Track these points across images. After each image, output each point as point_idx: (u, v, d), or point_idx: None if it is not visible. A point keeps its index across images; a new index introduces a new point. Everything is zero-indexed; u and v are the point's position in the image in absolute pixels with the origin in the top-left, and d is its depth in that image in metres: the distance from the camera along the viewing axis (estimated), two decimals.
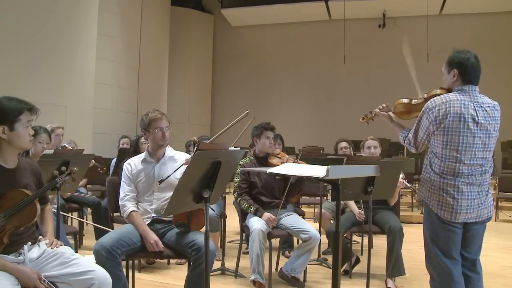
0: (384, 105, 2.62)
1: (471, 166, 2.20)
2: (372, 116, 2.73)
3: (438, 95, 2.31)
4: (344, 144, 4.71)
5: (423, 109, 2.30)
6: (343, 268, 3.71)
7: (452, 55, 2.30)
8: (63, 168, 2.35)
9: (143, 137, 4.03)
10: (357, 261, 3.76)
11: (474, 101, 2.22)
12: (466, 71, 2.24)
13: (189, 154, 3.24)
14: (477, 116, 2.19)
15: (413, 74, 2.88)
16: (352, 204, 3.80)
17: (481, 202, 2.22)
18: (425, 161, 2.35)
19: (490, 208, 2.27)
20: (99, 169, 4.81)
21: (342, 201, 3.45)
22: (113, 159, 5.66)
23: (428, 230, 2.31)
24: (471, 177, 2.20)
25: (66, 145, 4.80)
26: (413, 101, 2.48)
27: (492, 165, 2.29)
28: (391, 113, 2.59)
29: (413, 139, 2.36)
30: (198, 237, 2.56)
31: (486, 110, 2.23)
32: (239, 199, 3.53)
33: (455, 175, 2.20)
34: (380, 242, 4.28)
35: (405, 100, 2.51)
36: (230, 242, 4.85)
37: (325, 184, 4.00)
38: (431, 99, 2.28)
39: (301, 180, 3.53)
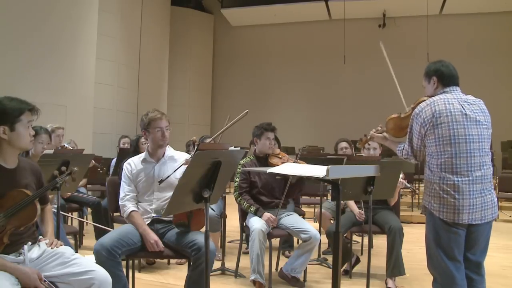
0: (378, 128, 2.69)
1: (468, 159, 2.18)
2: (368, 139, 2.78)
3: (423, 101, 2.37)
4: (344, 144, 4.70)
5: (411, 116, 2.37)
6: (343, 268, 3.71)
7: (428, 66, 2.45)
8: (63, 168, 2.36)
9: (143, 137, 4.03)
10: (357, 261, 3.76)
11: (458, 98, 2.30)
12: (443, 75, 2.36)
13: (189, 154, 3.24)
14: (464, 109, 2.24)
15: (399, 90, 2.92)
16: (352, 204, 3.80)
17: (484, 201, 2.18)
18: (425, 170, 2.36)
19: (494, 208, 2.24)
20: (99, 169, 4.81)
21: (342, 201, 3.46)
22: (113, 159, 5.67)
23: (430, 232, 2.29)
24: (470, 173, 2.16)
25: (66, 145, 4.79)
26: (402, 115, 2.53)
27: (490, 160, 2.28)
28: (385, 134, 2.63)
29: (409, 148, 2.38)
30: (198, 237, 2.56)
31: (472, 104, 2.29)
32: (239, 198, 3.53)
33: (454, 172, 2.18)
34: (380, 242, 4.28)
35: (394, 115, 2.57)
36: (230, 242, 4.85)
37: (325, 184, 4.00)
38: (418, 106, 2.36)
39: (301, 180, 3.53)
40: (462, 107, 2.24)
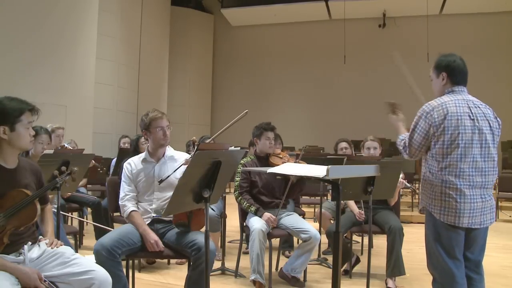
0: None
1: (471, 164, 2.18)
2: (397, 106, 2.60)
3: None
4: (344, 144, 4.70)
5: (418, 114, 2.29)
6: (343, 268, 3.71)
7: (439, 59, 2.35)
8: (63, 168, 2.36)
9: (143, 137, 4.03)
10: (357, 261, 3.76)
11: (467, 100, 2.26)
12: (454, 73, 2.29)
13: (189, 154, 3.24)
14: (471, 113, 2.22)
15: (412, 84, 2.78)
16: (352, 204, 3.80)
17: (484, 206, 2.20)
18: (423, 169, 2.33)
19: (492, 214, 2.26)
20: (99, 169, 4.81)
21: (342, 201, 3.45)
22: (113, 159, 5.66)
23: (430, 230, 2.30)
24: (472, 177, 2.17)
25: (66, 145, 4.79)
26: None
27: (495, 165, 2.25)
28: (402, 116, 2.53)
29: (408, 142, 2.33)
30: (198, 237, 2.56)
31: (479, 107, 2.26)
32: (239, 198, 3.53)
33: (457, 175, 2.17)
34: (380, 242, 4.28)
35: None
36: (230, 242, 4.85)
37: (325, 184, 4.00)
38: (427, 103, 2.29)
39: (301, 180, 3.53)
40: (470, 110, 2.21)
